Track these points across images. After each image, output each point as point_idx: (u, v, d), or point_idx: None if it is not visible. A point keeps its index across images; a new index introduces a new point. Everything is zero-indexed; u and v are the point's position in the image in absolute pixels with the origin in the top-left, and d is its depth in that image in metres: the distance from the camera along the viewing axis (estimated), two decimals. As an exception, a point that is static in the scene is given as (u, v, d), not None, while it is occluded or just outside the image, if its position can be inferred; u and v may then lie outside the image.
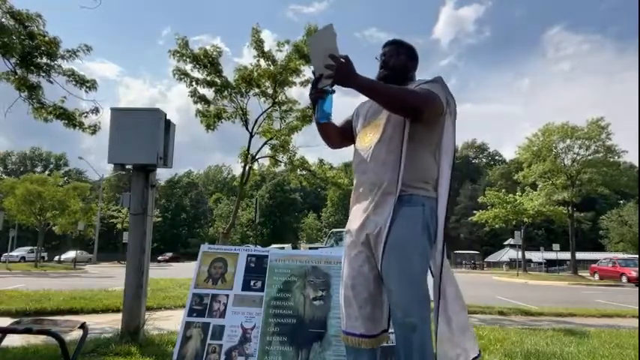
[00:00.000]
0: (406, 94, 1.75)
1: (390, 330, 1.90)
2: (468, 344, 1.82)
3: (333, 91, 1.84)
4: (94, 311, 6.29)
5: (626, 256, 28.56)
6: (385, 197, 1.79)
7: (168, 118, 4.05)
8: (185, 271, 19.91)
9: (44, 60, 6.37)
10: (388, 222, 1.75)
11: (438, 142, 1.86)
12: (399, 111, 1.76)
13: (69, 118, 6.68)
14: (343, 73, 1.68)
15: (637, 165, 38.01)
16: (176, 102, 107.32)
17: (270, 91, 8.51)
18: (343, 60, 1.68)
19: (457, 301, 1.86)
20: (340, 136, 2.11)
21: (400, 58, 1.97)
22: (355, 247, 1.89)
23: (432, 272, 1.90)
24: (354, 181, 1.97)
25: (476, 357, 1.83)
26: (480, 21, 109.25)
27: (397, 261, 1.74)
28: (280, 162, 9.44)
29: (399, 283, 1.74)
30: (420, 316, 1.72)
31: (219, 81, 8.20)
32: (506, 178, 55.31)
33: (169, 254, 45.98)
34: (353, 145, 2.07)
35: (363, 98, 1.89)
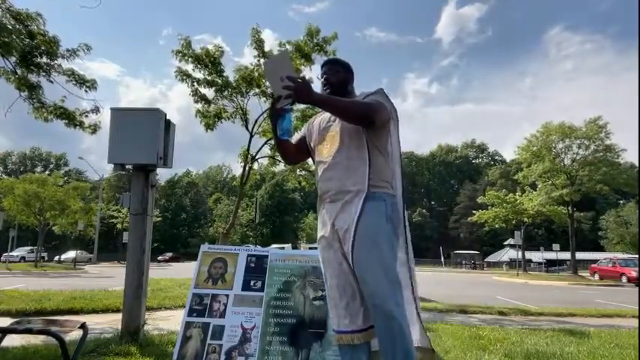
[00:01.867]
0: (359, 105, 1.94)
1: None
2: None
3: (292, 109, 2.04)
4: (94, 311, 6.27)
5: (626, 256, 28.56)
6: (352, 199, 1.96)
7: (168, 118, 4.05)
8: (185, 271, 19.90)
9: (44, 59, 6.37)
10: (356, 217, 1.91)
11: (386, 146, 2.06)
12: (354, 120, 1.94)
13: (69, 117, 6.68)
14: (302, 92, 1.84)
15: (637, 164, 38.02)
16: (177, 102, 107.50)
17: (270, 90, 8.50)
18: (300, 80, 1.85)
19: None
20: (296, 151, 2.32)
21: (339, 75, 2.17)
22: (330, 247, 2.03)
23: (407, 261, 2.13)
24: (319, 190, 2.12)
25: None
26: (483, 20, 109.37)
27: (368, 251, 1.88)
28: (280, 162, 9.43)
29: (372, 271, 1.85)
30: (395, 301, 1.83)
31: (220, 81, 8.20)
32: (505, 177, 55.32)
33: (169, 254, 45.97)
34: (312, 158, 2.28)
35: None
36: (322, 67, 2.22)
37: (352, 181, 1.96)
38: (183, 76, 8.09)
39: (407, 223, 2.15)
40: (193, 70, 8.10)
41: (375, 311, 1.83)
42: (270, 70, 1.96)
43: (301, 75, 1.95)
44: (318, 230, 2.14)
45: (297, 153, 2.32)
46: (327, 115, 2.16)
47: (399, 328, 1.80)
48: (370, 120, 1.90)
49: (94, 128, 6.98)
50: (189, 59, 7.99)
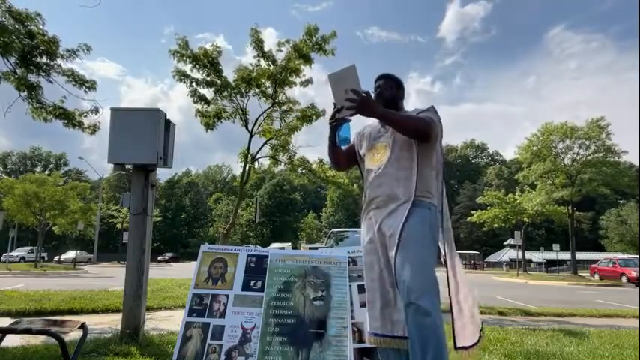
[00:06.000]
0: (417, 120, 2.08)
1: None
2: (474, 327, 2.15)
3: (351, 119, 2.18)
4: (94, 311, 6.28)
5: (626, 256, 28.56)
6: (399, 206, 2.08)
7: (168, 118, 4.05)
8: (185, 271, 19.91)
9: (44, 59, 6.36)
10: (401, 224, 2.02)
11: (432, 159, 2.18)
12: (412, 134, 2.08)
13: (68, 118, 6.67)
14: (367, 106, 2.00)
15: (637, 165, 38.01)
16: (178, 101, 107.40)
17: (269, 91, 8.49)
18: (365, 94, 1.98)
19: (465, 288, 2.21)
20: (347, 159, 2.49)
21: (392, 90, 2.32)
22: (375, 252, 2.14)
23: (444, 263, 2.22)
24: (368, 196, 2.24)
25: (475, 343, 2.10)
26: (487, 19, 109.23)
27: (410, 252, 1.96)
28: (280, 162, 9.42)
29: (412, 270, 1.91)
30: (431, 301, 1.86)
31: (219, 81, 8.18)
32: (505, 178, 55.29)
33: (169, 254, 45.96)
34: (359, 166, 2.46)
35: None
36: (376, 80, 2.35)
37: (401, 190, 2.08)
38: (182, 76, 8.07)
39: (450, 227, 2.26)
40: (191, 70, 8.08)
41: (410, 308, 1.85)
42: (334, 82, 2.07)
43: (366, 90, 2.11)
44: (362, 235, 2.25)
45: (348, 160, 2.49)
46: (377, 125, 2.31)
47: (434, 325, 1.81)
48: (427, 135, 2.05)
49: (94, 129, 6.96)
50: (187, 59, 7.96)
